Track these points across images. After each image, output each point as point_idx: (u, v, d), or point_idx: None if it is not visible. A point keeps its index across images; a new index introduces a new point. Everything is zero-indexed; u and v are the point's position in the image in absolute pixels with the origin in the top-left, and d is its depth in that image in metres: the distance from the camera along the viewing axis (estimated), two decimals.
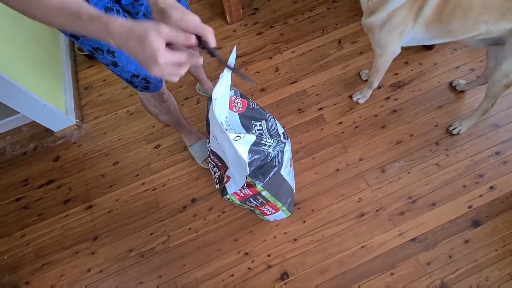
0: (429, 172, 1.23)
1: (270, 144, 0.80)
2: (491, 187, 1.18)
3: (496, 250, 1.08)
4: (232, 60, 0.66)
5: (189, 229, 1.24)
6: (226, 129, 0.70)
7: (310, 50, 1.60)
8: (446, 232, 1.12)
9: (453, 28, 0.97)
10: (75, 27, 0.49)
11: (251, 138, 0.73)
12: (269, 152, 0.82)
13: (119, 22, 0.46)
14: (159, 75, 0.46)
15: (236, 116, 0.86)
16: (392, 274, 1.08)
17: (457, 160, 1.24)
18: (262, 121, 0.86)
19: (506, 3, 0.88)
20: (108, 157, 1.46)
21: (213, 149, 0.89)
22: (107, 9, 0.74)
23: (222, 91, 0.76)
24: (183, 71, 0.47)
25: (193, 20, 0.48)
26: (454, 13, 0.92)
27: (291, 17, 1.72)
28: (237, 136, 0.69)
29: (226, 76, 0.74)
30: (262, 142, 0.78)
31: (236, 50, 0.74)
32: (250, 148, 0.75)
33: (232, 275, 1.14)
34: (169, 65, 0.45)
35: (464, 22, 0.94)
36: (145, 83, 0.92)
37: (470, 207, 1.15)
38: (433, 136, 1.30)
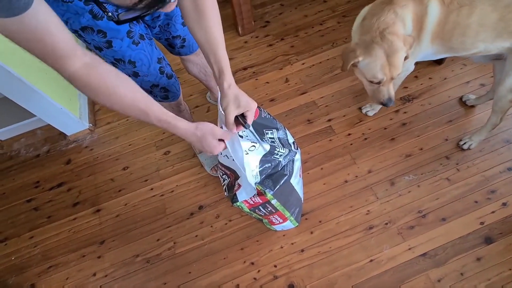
0: (440, 186, 1.22)
1: (282, 153, 0.81)
2: (504, 204, 1.15)
3: (510, 269, 1.04)
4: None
5: (196, 236, 1.24)
6: (242, 136, 0.71)
7: (320, 62, 1.63)
8: (457, 248, 1.10)
9: (454, 45, 1.00)
10: (147, 122, 0.65)
11: (266, 147, 0.74)
12: (280, 161, 0.83)
13: (184, 126, 0.66)
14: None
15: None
16: None
17: (468, 175, 1.23)
18: (274, 130, 0.87)
19: (501, 23, 0.90)
20: (118, 161, 1.48)
21: (221, 162, 0.90)
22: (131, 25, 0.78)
23: None
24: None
25: (253, 105, 0.71)
26: (454, 31, 0.95)
27: (302, 30, 1.76)
28: (252, 146, 0.70)
29: None
30: (275, 152, 0.78)
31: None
32: (261, 158, 0.75)
33: (238, 285, 1.13)
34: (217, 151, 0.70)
35: (464, 40, 0.97)
36: (164, 92, 0.94)
37: (482, 223, 1.13)
38: (443, 150, 1.30)
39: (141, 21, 0.82)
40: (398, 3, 0.93)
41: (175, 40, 0.97)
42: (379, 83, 1.01)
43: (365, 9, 1.03)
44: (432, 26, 0.96)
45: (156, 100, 1.00)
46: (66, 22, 0.70)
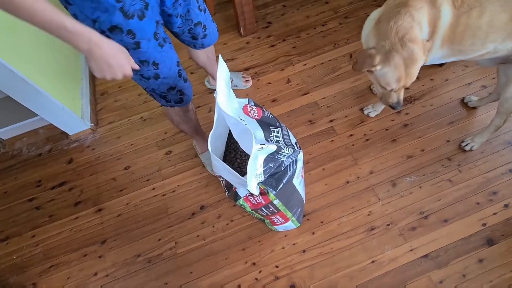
0: (441, 187, 1.22)
1: (286, 154, 0.81)
2: (506, 205, 1.15)
3: None
4: (222, 71, 0.70)
5: (197, 236, 1.24)
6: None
7: (322, 63, 1.63)
8: (459, 250, 1.09)
9: (463, 48, 0.99)
10: (30, 15, 0.53)
11: (273, 148, 0.74)
12: (283, 161, 0.83)
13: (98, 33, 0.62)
14: (109, 76, 0.67)
15: (254, 122, 0.87)
16: None
17: (469, 176, 1.23)
18: (278, 128, 0.87)
19: (511, 23, 0.90)
20: (120, 161, 1.48)
21: (215, 171, 0.90)
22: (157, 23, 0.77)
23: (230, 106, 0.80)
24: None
25: None
26: (465, 33, 0.94)
27: (304, 31, 1.76)
28: (260, 148, 0.71)
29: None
30: (280, 152, 0.79)
31: (223, 59, 0.77)
32: (266, 157, 0.76)
33: (239, 285, 1.13)
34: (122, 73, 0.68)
35: (474, 42, 0.96)
36: (179, 96, 0.94)
37: (484, 225, 1.13)
38: (445, 151, 1.30)
39: (161, 21, 0.80)
40: (415, 5, 0.91)
41: (197, 29, 0.96)
42: (391, 90, 1.02)
43: (377, 12, 1.00)
44: (444, 29, 0.95)
45: (169, 106, 0.99)
46: (94, 21, 0.66)
